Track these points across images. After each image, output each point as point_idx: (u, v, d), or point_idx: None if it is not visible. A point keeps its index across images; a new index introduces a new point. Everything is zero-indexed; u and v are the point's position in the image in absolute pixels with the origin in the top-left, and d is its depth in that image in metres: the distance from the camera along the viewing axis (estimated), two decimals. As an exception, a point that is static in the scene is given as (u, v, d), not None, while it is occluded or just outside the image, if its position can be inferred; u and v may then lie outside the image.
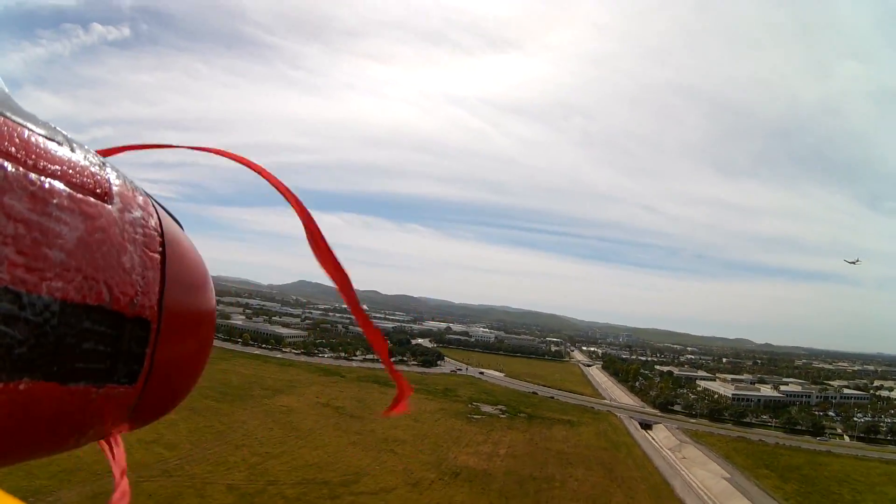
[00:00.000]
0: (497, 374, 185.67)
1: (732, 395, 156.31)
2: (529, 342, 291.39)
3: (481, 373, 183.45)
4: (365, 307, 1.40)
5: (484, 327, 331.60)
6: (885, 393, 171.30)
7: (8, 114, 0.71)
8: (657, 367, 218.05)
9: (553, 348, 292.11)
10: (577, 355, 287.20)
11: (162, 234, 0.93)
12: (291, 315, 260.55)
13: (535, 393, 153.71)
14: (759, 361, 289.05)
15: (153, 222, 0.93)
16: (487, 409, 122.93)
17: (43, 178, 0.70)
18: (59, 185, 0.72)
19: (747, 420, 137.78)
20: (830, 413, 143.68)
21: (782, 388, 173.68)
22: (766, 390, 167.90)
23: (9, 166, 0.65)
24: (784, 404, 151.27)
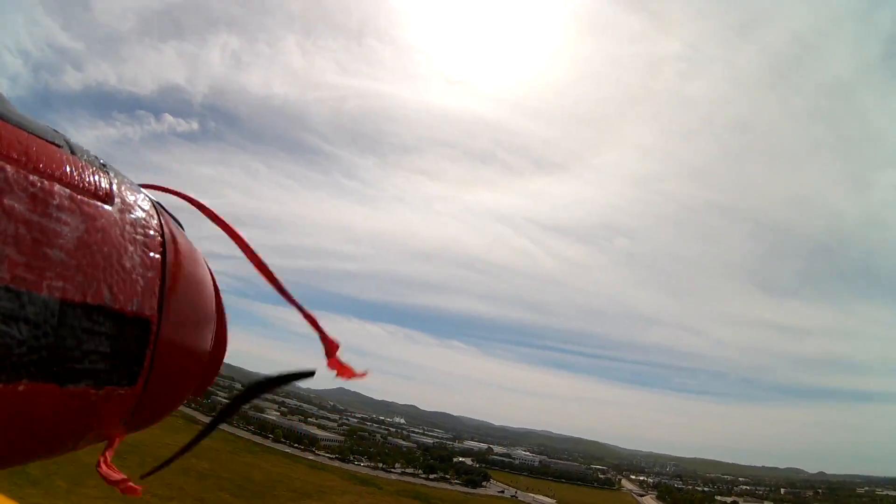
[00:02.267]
0: (548, 500, 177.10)
1: None
2: (576, 468, 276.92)
3: (533, 499, 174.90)
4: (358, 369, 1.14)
5: (525, 450, 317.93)
6: None
7: (7, 117, 0.71)
8: (717, 497, 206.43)
9: (600, 475, 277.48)
10: (627, 484, 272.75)
11: (163, 235, 0.93)
12: (328, 419, 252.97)
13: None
14: (820, 491, 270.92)
15: (154, 223, 0.92)
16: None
17: (43, 179, 0.69)
18: (59, 186, 0.72)
19: None
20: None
21: None
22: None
23: (9, 168, 0.65)
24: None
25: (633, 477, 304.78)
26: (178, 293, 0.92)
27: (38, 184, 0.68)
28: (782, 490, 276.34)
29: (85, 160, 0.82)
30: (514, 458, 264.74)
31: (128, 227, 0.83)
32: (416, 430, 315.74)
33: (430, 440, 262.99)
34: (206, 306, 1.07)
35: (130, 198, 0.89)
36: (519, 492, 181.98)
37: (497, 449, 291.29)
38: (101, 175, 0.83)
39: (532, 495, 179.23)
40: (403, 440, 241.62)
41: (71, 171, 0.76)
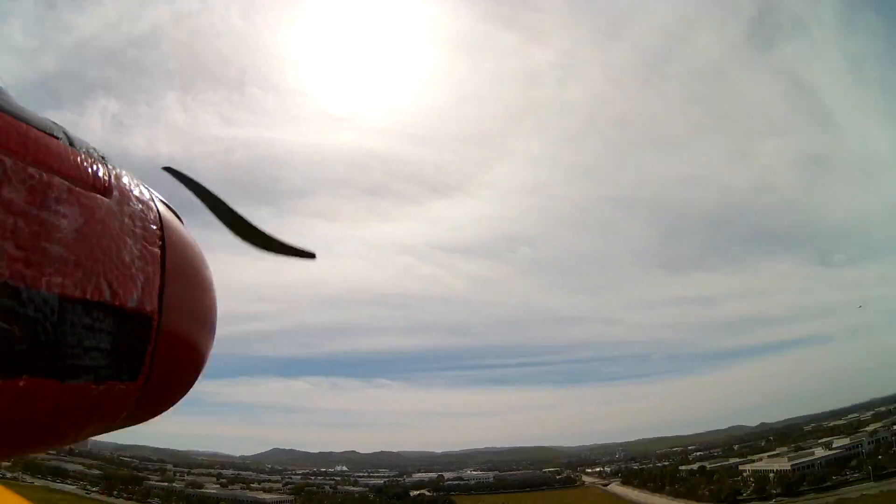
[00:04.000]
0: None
1: (791, 465, 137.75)
2: (532, 475, 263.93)
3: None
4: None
5: (475, 469, 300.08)
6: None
7: (6, 108, 0.70)
8: (681, 467, 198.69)
9: (557, 476, 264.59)
10: (587, 478, 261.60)
11: (162, 228, 0.91)
12: (271, 481, 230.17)
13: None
14: (772, 438, 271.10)
15: (153, 216, 0.91)
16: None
17: (41, 171, 0.69)
18: (57, 178, 0.71)
19: (829, 484, 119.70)
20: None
21: (836, 444, 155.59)
22: (821, 451, 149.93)
23: (7, 160, 0.64)
24: (846, 458, 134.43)
25: (588, 471, 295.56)
26: (178, 287, 0.91)
27: (37, 175, 0.67)
28: (735, 447, 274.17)
29: (83, 152, 0.81)
30: (467, 480, 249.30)
31: (127, 220, 0.82)
32: (361, 474, 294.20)
33: (378, 481, 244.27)
34: (207, 300, 1.05)
35: (129, 190, 0.87)
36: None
37: (447, 475, 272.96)
38: (100, 166, 0.82)
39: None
40: (352, 486, 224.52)
41: (69, 162, 0.75)
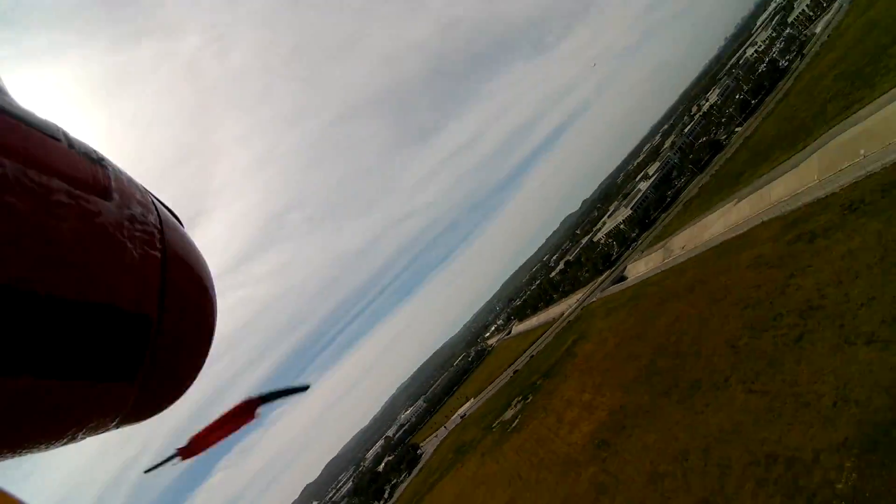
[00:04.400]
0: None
1: (631, 209, 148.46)
2: (453, 375, 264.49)
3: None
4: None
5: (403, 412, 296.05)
6: (704, 104, 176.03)
7: (6, 110, 0.70)
8: (550, 275, 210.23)
9: (470, 358, 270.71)
10: (490, 341, 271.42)
11: (162, 231, 0.92)
12: None
13: (515, 372, 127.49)
14: (599, 205, 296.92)
15: (153, 219, 0.91)
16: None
17: (41, 174, 0.69)
18: (57, 181, 0.71)
19: (668, 200, 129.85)
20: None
21: (651, 172, 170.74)
22: (644, 184, 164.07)
23: (7, 163, 0.64)
24: (668, 175, 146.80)
25: (486, 335, 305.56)
26: (177, 289, 0.92)
27: (37, 178, 0.67)
28: (577, 231, 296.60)
29: (83, 154, 0.81)
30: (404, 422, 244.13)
31: (126, 223, 0.82)
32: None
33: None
34: (206, 302, 1.06)
35: (129, 192, 0.88)
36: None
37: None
38: (100, 169, 0.82)
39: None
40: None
41: (70, 165, 0.75)
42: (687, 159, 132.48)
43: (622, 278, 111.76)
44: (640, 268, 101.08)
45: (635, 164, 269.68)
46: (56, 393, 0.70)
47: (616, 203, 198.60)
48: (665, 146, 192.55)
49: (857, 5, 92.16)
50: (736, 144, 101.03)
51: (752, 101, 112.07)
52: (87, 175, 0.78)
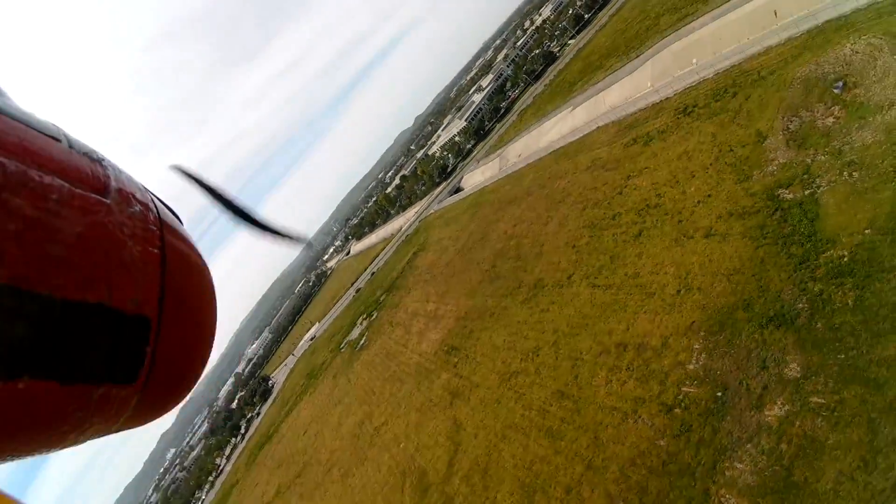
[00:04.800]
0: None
1: (466, 121, 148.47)
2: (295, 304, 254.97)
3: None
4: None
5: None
6: (538, 18, 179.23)
7: (5, 110, 0.70)
8: (387, 192, 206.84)
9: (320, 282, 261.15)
10: (332, 263, 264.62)
11: (161, 230, 0.91)
12: None
13: (358, 290, 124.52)
14: (433, 121, 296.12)
15: (152, 217, 0.91)
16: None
17: (41, 173, 0.68)
18: (57, 180, 0.71)
19: (503, 111, 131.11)
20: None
21: (484, 85, 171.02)
22: (479, 96, 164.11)
23: (8, 162, 0.64)
24: (501, 86, 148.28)
25: (325, 257, 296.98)
26: (177, 289, 0.91)
27: (37, 178, 0.67)
28: (412, 147, 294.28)
29: (83, 154, 0.81)
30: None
31: (126, 222, 0.82)
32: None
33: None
34: (206, 301, 1.05)
35: (129, 192, 0.87)
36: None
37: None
38: (100, 169, 0.82)
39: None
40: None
41: (69, 164, 0.75)
42: (521, 70, 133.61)
43: (458, 189, 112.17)
44: (476, 177, 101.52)
45: (468, 78, 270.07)
46: (56, 395, 0.69)
47: (450, 116, 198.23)
48: (498, 60, 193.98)
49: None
50: (570, 55, 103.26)
51: (586, 16, 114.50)
52: (87, 174, 0.78)
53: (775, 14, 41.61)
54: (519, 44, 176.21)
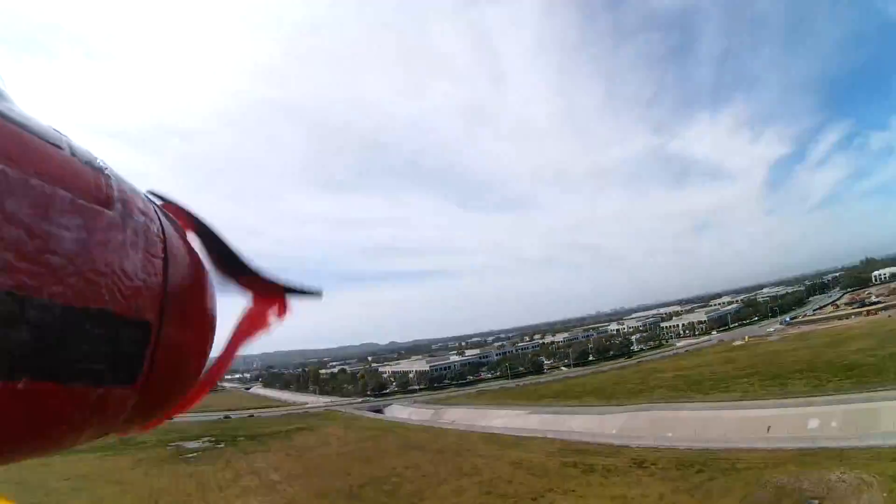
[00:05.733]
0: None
1: (430, 366, 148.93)
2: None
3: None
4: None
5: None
6: (549, 339, 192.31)
7: (9, 118, 0.71)
8: (320, 371, 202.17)
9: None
10: (227, 384, 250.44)
11: (164, 240, 0.92)
12: None
13: (227, 417, 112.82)
14: (402, 351, 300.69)
15: (155, 227, 0.92)
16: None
17: (45, 183, 0.69)
18: (60, 190, 0.71)
19: (469, 379, 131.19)
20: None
21: (468, 353, 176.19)
22: (455, 357, 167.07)
23: (10, 171, 0.64)
24: (479, 364, 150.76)
25: (227, 377, 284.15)
26: (179, 297, 0.92)
27: (40, 187, 0.68)
28: (369, 358, 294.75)
29: (86, 163, 0.82)
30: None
31: (129, 232, 0.83)
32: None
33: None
34: (207, 310, 1.06)
35: (131, 201, 0.88)
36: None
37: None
38: (103, 178, 0.83)
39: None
40: None
41: (72, 173, 0.76)
42: (505, 362, 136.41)
43: (378, 410, 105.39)
44: (402, 412, 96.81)
45: (455, 344, 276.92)
46: (56, 396, 0.70)
47: (420, 356, 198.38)
48: (494, 344, 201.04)
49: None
50: (556, 377, 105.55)
51: (591, 357, 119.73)
52: (90, 183, 0.79)
53: (768, 429, 43.43)
54: (519, 344, 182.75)
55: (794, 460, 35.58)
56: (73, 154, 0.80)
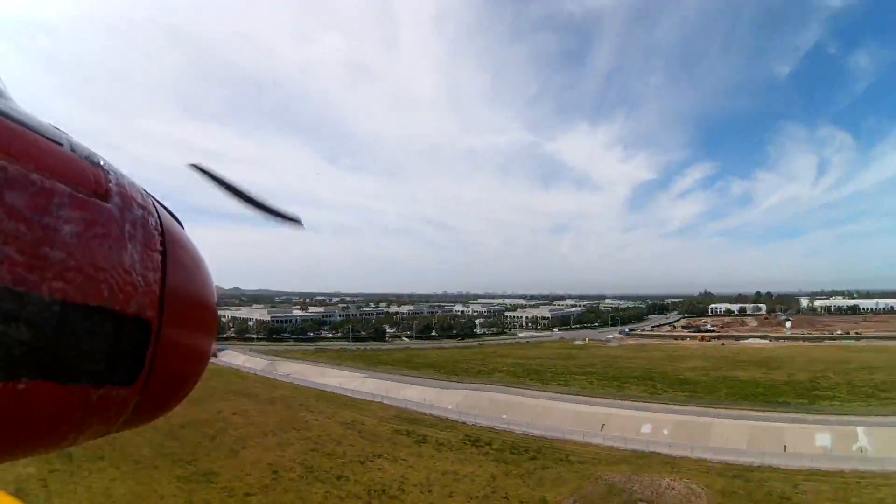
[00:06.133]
0: None
1: (271, 317, 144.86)
2: None
3: None
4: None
5: None
6: (394, 309, 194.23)
7: (8, 113, 0.71)
8: None
9: None
10: None
11: (162, 233, 0.92)
12: None
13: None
14: (245, 298, 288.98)
15: (153, 221, 0.92)
16: None
17: (43, 177, 0.69)
18: (59, 184, 0.71)
19: (310, 336, 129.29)
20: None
21: (311, 310, 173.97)
22: (298, 312, 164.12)
23: (9, 166, 0.64)
24: (320, 323, 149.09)
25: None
26: (178, 293, 0.92)
27: (39, 182, 0.67)
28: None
29: (85, 158, 0.81)
30: None
31: (128, 226, 0.83)
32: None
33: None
34: (207, 305, 1.06)
35: (131, 196, 0.88)
36: None
37: None
38: (102, 173, 0.83)
39: None
40: None
41: (71, 168, 0.76)
42: (350, 322, 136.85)
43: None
44: (237, 359, 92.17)
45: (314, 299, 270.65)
46: (56, 396, 0.69)
47: (261, 306, 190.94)
48: (344, 307, 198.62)
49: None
50: (399, 346, 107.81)
51: (433, 333, 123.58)
52: (89, 179, 0.78)
53: (602, 427, 46.35)
54: (364, 309, 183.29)
55: (627, 461, 37.95)
56: (72, 150, 0.79)
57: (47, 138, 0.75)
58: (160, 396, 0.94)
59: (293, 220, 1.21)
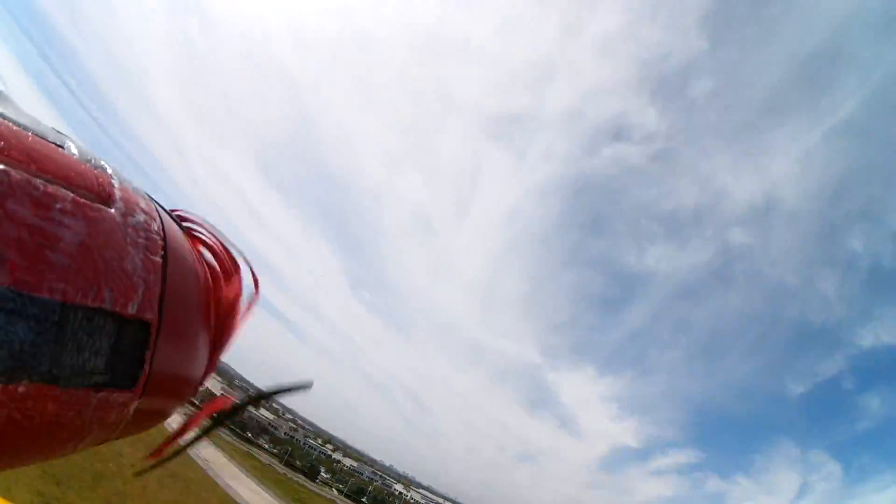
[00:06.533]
0: None
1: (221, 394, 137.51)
2: None
3: None
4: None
5: None
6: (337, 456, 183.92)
7: (11, 117, 0.70)
8: None
9: None
10: None
11: (164, 238, 0.92)
12: None
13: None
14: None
15: (155, 226, 0.91)
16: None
17: (46, 181, 0.68)
18: (61, 189, 0.70)
19: (249, 437, 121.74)
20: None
21: (262, 412, 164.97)
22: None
23: (12, 170, 0.63)
24: (262, 429, 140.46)
25: None
26: (178, 296, 0.92)
27: (41, 186, 0.67)
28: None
29: (88, 162, 0.82)
30: None
31: (130, 230, 0.83)
32: None
33: None
34: (209, 310, 1.06)
35: (132, 200, 0.88)
36: None
37: None
38: (104, 177, 0.83)
39: None
40: None
41: (74, 173, 0.76)
42: (290, 448, 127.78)
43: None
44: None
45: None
46: (56, 400, 0.68)
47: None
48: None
49: None
50: (324, 494, 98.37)
51: (365, 501, 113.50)
52: (92, 183, 0.79)
53: None
54: (310, 441, 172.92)
55: None
56: (76, 154, 0.80)
57: (50, 142, 0.75)
58: (160, 401, 0.94)
59: (303, 387, 1.18)
